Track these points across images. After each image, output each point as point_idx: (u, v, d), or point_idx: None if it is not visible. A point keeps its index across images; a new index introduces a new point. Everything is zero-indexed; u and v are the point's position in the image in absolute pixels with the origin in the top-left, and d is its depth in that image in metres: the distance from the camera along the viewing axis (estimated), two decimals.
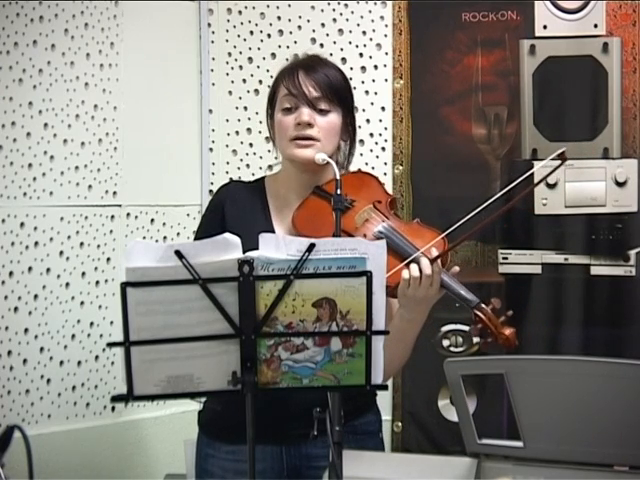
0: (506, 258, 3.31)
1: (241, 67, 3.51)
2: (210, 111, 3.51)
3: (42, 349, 3.07)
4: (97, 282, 3.20)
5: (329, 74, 2.52)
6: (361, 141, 3.41)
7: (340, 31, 3.45)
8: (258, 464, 2.40)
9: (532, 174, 2.35)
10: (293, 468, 2.49)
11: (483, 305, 2.32)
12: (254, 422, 1.92)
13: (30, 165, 3.04)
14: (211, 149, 3.53)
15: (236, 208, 2.54)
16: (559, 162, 2.32)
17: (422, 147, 3.39)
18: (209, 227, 2.49)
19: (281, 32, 3.47)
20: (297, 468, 2.49)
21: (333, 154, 2.52)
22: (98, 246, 3.21)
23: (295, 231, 2.46)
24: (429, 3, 3.36)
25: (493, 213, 2.39)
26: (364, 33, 3.43)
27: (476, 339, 3.28)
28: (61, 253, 3.12)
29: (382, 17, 3.42)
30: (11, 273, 3.00)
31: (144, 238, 3.30)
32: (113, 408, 3.23)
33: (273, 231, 2.49)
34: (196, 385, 1.93)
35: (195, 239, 2.57)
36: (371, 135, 3.43)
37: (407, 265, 2.32)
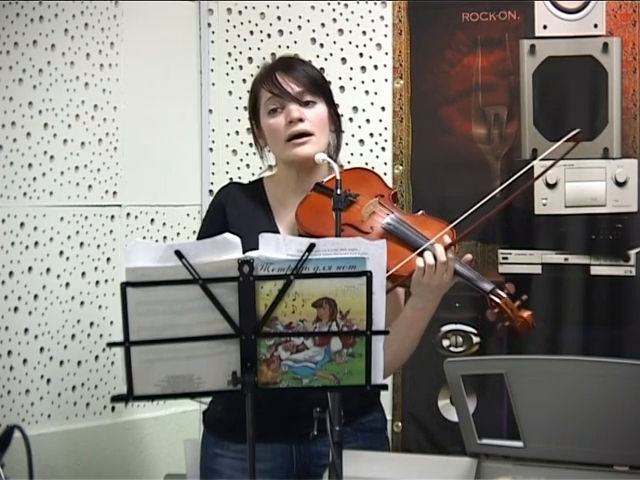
0: (506, 258, 3.31)
1: (241, 67, 3.51)
2: (210, 111, 3.51)
3: (42, 349, 3.07)
4: (97, 282, 3.20)
5: (305, 69, 2.57)
6: (361, 141, 3.41)
7: (340, 31, 3.45)
8: (268, 463, 2.42)
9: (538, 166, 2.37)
10: (303, 466, 2.50)
11: (499, 290, 2.34)
12: (254, 422, 1.92)
13: (30, 165, 3.04)
14: (211, 149, 3.53)
15: (238, 209, 2.55)
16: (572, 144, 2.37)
17: (422, 147, 3.39)
18: (211, 229, 2.48)
19: (281, 32, 3.47)
20: (307, 466, 2.50)
21: (325, 149, 2.54)
22: (98, 246, 3.21)
23: (299, 226, 2.48)
24: (429, 3, 3.36)
25: (498, 205, 2.43)
26: (364, 33, 3.43)
27: (477, 339, 3.31)
28: (61, 253, 3.12)
29: (382, 17, 3.41)
30: (11, 273, 2.99)
31: (144, 238, 3.30)
32: (113, 408, 3.23)
33: (277, 229, 2.51)
34: (196, 385, 1.93)
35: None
36: (371, 135, 3.43)
37: (420, 254, 2.34)
